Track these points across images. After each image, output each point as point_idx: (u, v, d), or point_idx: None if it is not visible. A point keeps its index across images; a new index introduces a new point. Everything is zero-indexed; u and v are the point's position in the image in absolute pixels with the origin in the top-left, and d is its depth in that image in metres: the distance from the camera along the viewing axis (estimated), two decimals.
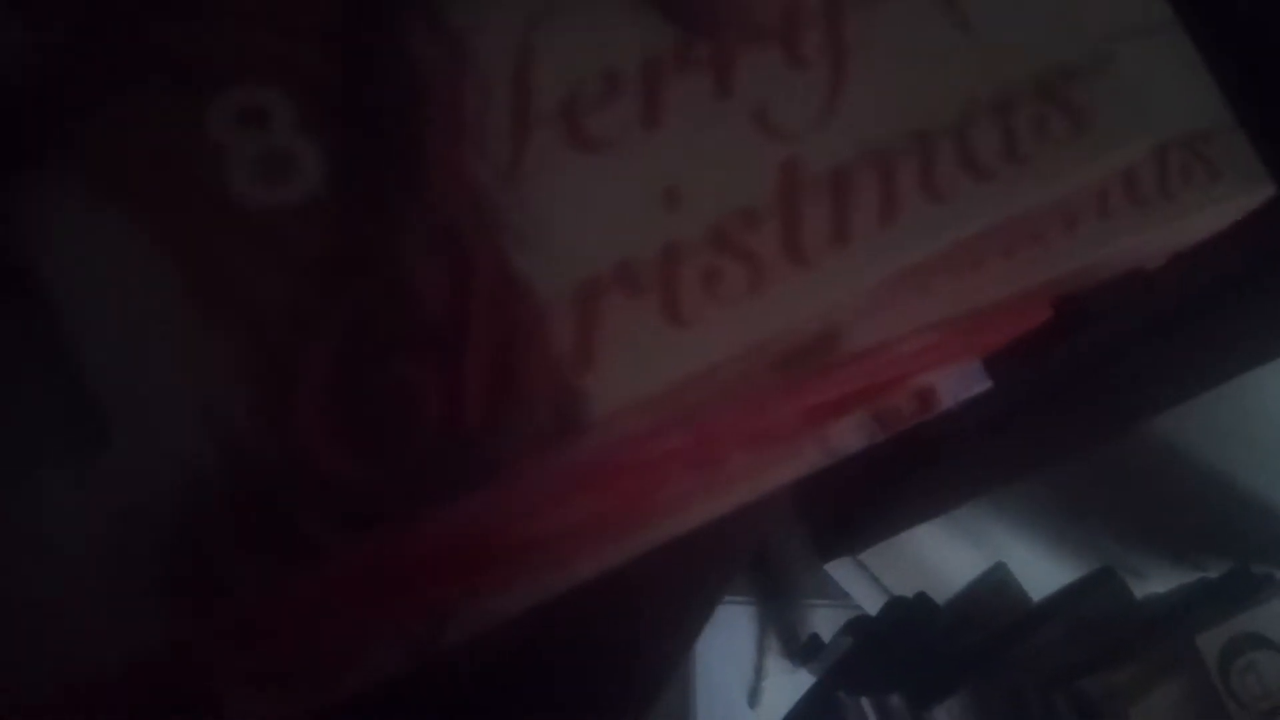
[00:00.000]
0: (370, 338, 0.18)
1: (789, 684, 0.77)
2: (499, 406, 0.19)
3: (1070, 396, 0.53)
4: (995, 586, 0.69)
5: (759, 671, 0.77)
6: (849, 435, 0.31)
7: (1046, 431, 0.58)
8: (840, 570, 0.78)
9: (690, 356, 0.20)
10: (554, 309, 0.19)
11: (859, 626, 0.75)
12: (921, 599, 0.72)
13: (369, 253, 0.19)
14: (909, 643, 0.71)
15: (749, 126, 0.21)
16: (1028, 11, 0.24)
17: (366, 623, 0.25)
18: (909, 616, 0.71)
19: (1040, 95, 0.23)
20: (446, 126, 0.19)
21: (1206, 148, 0.25)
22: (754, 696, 0.77)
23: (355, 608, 0.24)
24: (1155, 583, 0.68)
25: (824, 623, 0.79)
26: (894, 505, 0.67)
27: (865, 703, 0.68)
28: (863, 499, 0.67)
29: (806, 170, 0.21)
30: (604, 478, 0.25)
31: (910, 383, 0.32)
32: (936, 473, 0.61)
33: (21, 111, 0.19)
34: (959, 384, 0.33)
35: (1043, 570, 0.70)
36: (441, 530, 0.21)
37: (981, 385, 0.34)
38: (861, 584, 0.77)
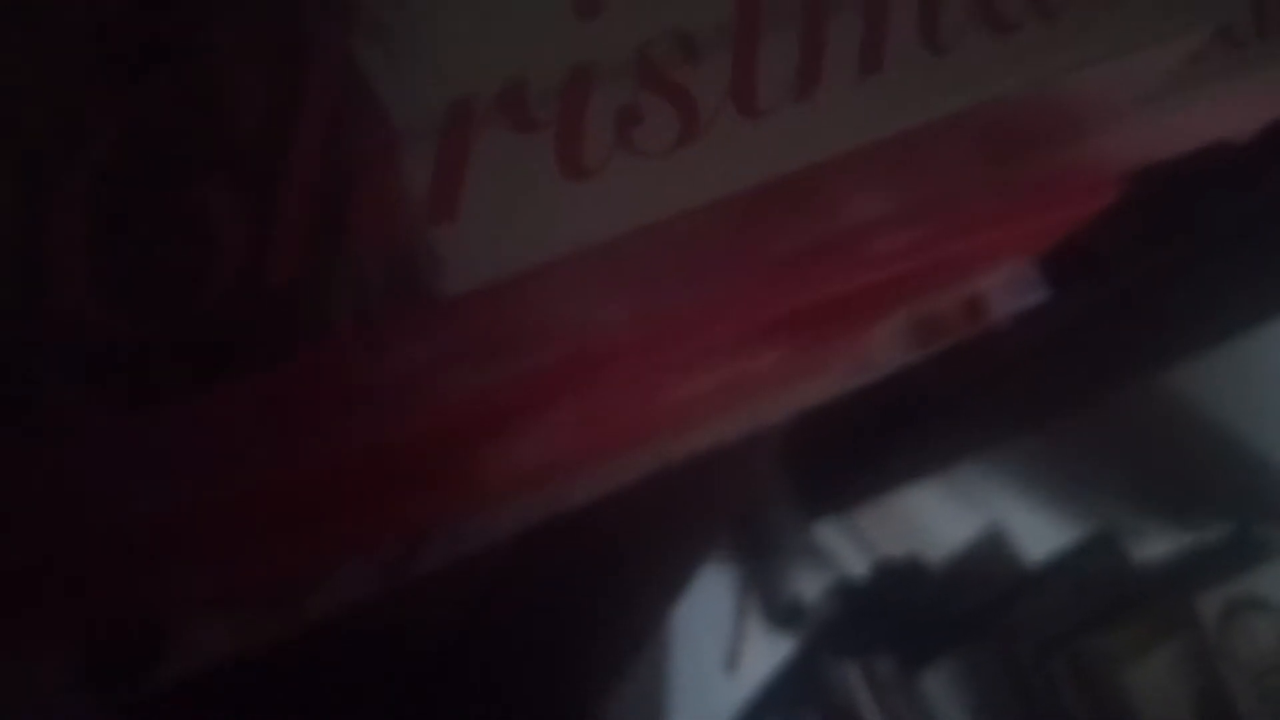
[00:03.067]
0: (153, 150, 0.14)
1: (770, 648, 0.74)
2: (323, 256, 0.14)
3: (1080, 338, 0.49)
4: (989, 548, 0.66)
5: (738, 635, 0.74)
6: (887, 345, 0.27)
7: (1048, 381, 0.55)
8: (827, 528, 0.75)
9: (588, 220, 0.15)
10: (411, 135, 0.15)
11: (846, 588, 0.72)
12: (912, 560, 0.69)
13: (160, 36, 0.14)
14: (898, 605, 0.68)
15: None
16: None
17: (330, 541, 0.22)
18: (899, 578, 0.69)
19: None
20: None
21: None
22: (732, 661, 0.74)
23: (315, 523, 0.21)
24: (1153, 544, 0.66)
25: (808, 584, 0.75)
26: (885, 462, 0.64)
27: (852, 667, 0.65)
28: (852, 454, 0.63)
29: None
30: (589, 373, 0.21)
31: (957, 285, 0.27)
32: (931, 427, 0.58)
33: None
34: (1011, 292, 0.29)
35: (1038, 532, 0.67)
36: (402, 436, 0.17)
37: (1036, 295, 0.29)
38: (849, 543, 0.74)
